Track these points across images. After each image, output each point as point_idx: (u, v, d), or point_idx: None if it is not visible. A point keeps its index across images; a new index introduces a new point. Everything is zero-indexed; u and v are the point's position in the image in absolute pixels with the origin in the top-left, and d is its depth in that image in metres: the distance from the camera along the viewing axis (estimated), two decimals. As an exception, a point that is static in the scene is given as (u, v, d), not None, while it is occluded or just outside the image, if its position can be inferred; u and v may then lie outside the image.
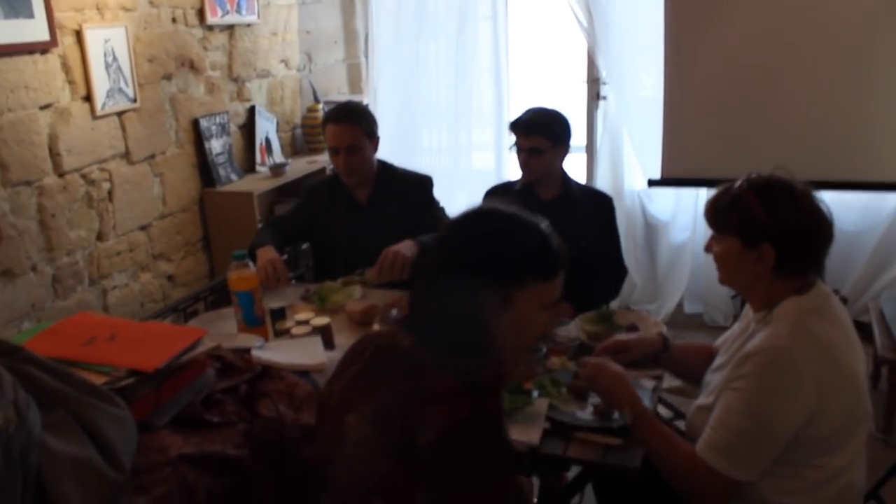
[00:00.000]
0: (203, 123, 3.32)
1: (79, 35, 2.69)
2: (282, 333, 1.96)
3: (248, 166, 3.67)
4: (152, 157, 3.10)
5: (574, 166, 3.32)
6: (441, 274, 1.21)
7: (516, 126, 2.54)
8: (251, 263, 2.00)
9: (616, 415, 1.66)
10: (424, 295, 1.26)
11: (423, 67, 4.23)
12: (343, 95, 4.40)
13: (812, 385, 1.43)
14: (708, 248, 1.65)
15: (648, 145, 3.75)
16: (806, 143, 3.24)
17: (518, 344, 1.23)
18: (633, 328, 2.09)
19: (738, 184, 1.58)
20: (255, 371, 1.66)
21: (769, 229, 1.50)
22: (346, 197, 2.59)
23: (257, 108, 3.68)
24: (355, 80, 4.53)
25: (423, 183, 2.64)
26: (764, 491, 1.49)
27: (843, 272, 3.60)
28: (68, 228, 2.73)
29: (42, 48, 2.55)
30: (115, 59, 2.84)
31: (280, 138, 3.89)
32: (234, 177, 3.50)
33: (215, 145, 3.40)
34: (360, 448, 1.17)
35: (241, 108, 3.63)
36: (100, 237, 2.87)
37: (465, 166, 4.29)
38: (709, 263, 3.80)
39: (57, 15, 2.58)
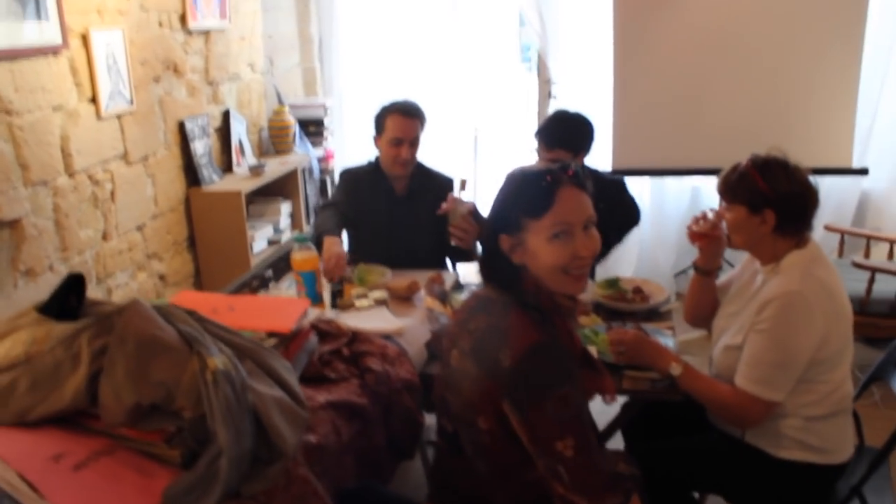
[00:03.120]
0: (188, 125, 3.41)
1: (84, 38, 2.75)
2: (344, 308, 2.15)
3: (225, 167, 3.76)
4: (146, 158, 3.17)
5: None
6: (488, 234, 1.52)
7: (539, 136, 2.66)
8: (312, 245, 2.17)
9: None
10: (483, 250, 1.57)
11: (384, 70, 4.43)
12: (300, 98, 4.54)
13: (820, 318, 1.79)
14: (721, 217, 1.99)
15: (597, 141, 4.14)
16: (739, 137, 3.71)
17: (542, 271, 1.46)
18: (637, 290, 2.44)
19: (743, 162, 1.93)
20: (349, 336, 1.86)
21: (770, 197, 1.86)
22: (387, 187, 2.77)
23: (231, 111, 3.79)
24: (310, 83, 4.68)
25: (451, 183, 2.85)
26: (787, 406, 1.83)
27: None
28: (78, 228, 2.77)
29: (54, 50, 2.60)
30: (115, 61, 2.90)
31: (249, 140, 4.00)
32: (215, 177, 3.59)
33: (198, 146, 3.49)
34: (464, 378, 1.44)
35: (216, 111, 3.72)
36: (104, 237, 2.92)
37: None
38: (654, 247, 4.26)
39: (66, 18, 2.64)
